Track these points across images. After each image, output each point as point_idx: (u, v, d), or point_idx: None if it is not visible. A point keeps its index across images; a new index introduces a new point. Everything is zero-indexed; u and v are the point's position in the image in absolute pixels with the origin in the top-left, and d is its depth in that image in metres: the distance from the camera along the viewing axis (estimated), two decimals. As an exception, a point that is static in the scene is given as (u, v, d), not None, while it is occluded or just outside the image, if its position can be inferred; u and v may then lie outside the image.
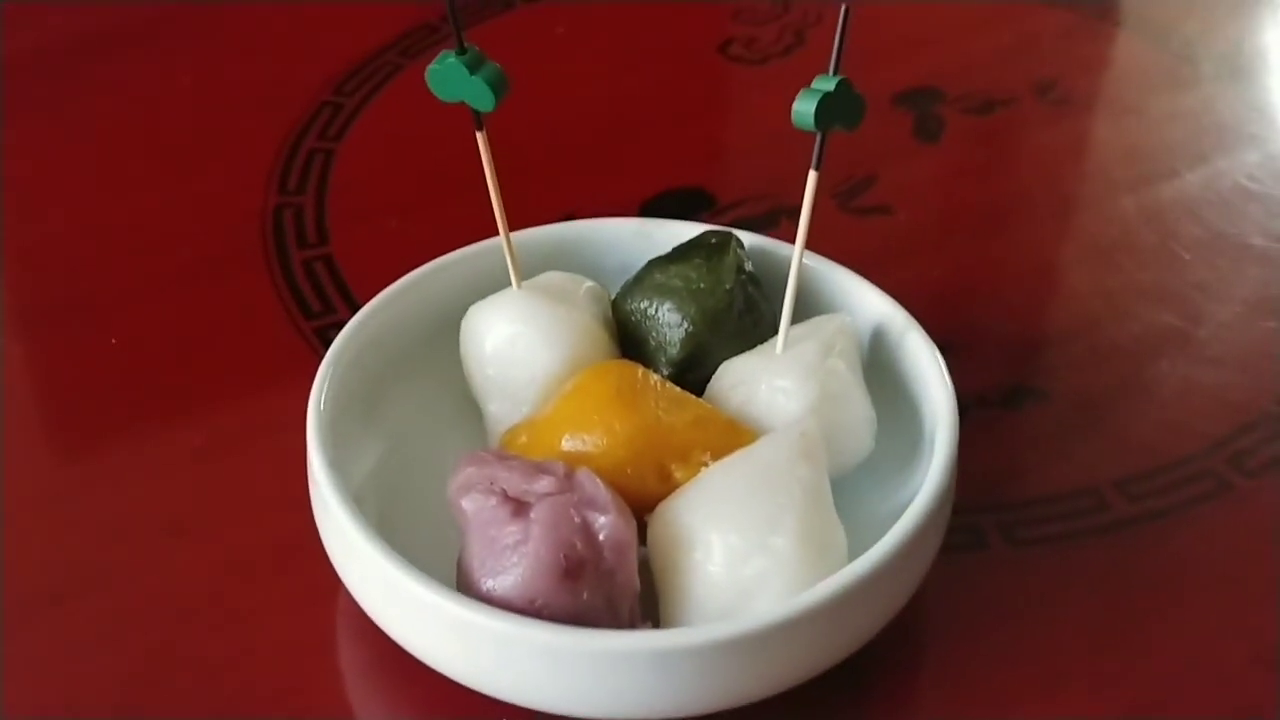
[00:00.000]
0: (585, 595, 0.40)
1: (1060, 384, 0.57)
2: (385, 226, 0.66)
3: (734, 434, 0.45)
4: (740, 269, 0.50)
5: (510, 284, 0.50)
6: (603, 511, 0.41)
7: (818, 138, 0.45)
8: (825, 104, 0.43)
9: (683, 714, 0.40)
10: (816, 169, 0.45)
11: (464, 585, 0.41)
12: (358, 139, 0.70)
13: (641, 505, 0.44)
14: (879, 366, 0.50)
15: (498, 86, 0.44)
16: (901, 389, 0.49)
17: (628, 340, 0.50)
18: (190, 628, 0.47)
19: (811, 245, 0.48)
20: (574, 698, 0.39)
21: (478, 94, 0.44)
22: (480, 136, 0.46)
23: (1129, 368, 0.57)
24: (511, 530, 0.40)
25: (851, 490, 0.46)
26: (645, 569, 0.43)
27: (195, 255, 0.63)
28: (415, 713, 0.44)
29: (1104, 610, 0.48)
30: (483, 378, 0.49)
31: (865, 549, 0.43)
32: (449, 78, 0.44)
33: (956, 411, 0.46)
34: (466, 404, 0.51)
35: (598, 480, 0.42)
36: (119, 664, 0.46)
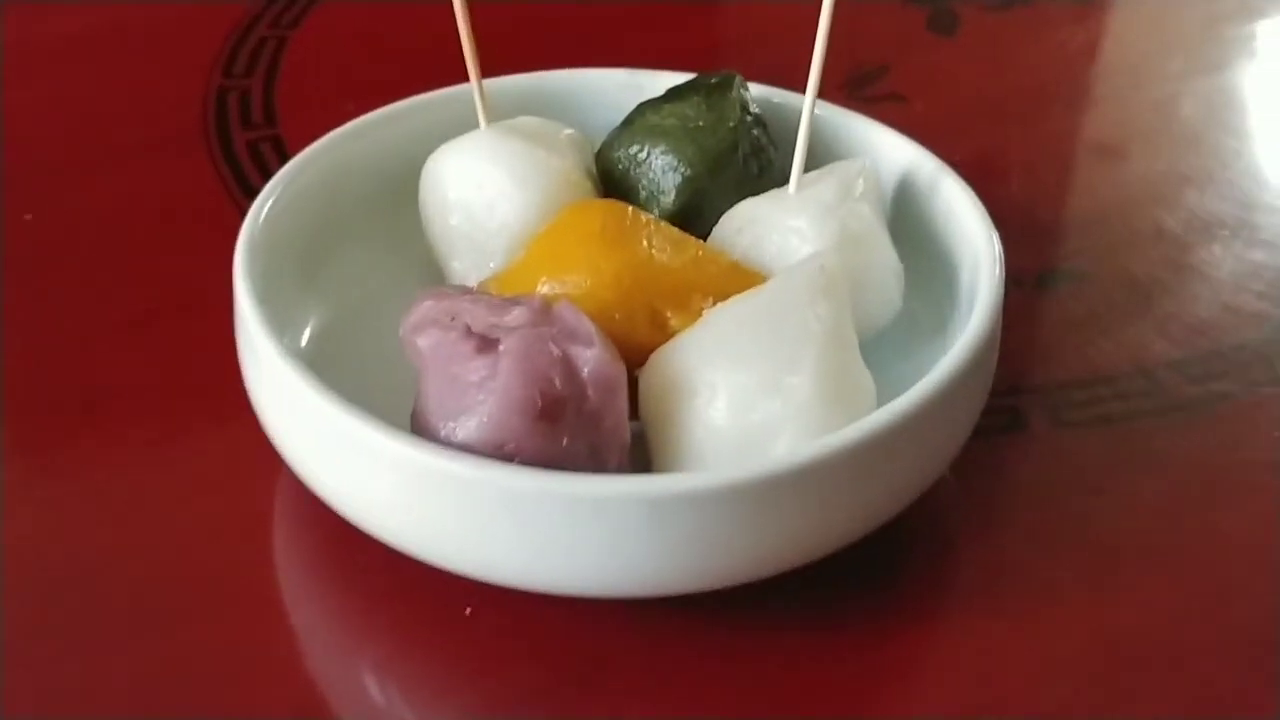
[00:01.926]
0: (565, 441, 0.33)
1: (1101, 266, 0.50)
2: (340, 110, 0.59)
3: (739, 276, 0.38)
4: (744, 107, 0.43)
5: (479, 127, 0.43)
6: (586, 344, 0.34)
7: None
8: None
9: (680, 586, 0.33)
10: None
11: (421, 427, 0.34)
12: (313, 29, 0.64)
13: (632, 356, 0.37)
14: (906, 221, 0.43)
15: None
16: (933, 244, 0.42)
17: (614, 191, 0.43)
18: (110, 512, 0.40)
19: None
20: (548, 563, 0.32)
21: None
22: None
23: (1176, 251, 0.51)
24: (476, 366, 0.33)
25: (876, 358, 0.40)
26: (636, 441, 0.36)
27: (131, 136, 0.57)
28: (365, 604, 0.37)
29: (1156, 496, 0.41)
30: (444, 228, 0.42)
31: None
32: None
33: (1001, 254, 0.39)
34: (426, 268, 0.44)
35: (580, 313, 0.35)
36: (38, 557, 0.39)
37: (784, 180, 0.43)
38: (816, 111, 0.42)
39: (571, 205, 0.40)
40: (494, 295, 0.36)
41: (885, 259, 0.40)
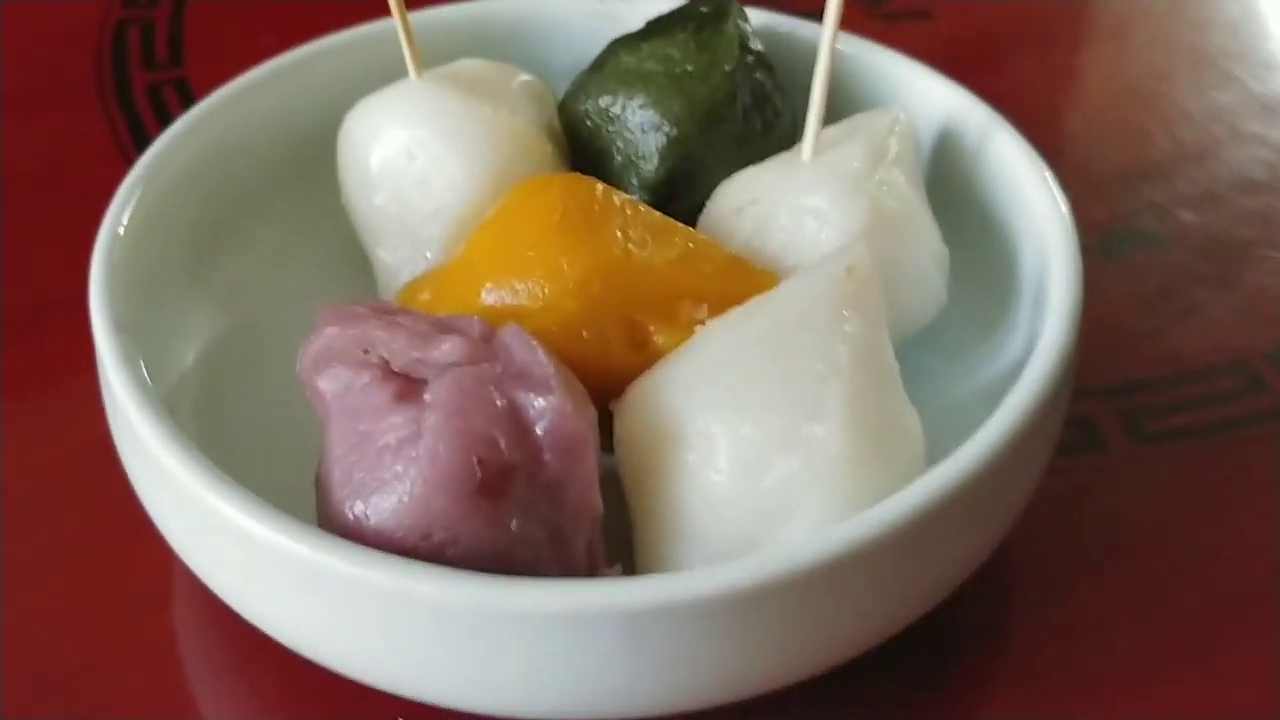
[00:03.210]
0: (514, 523, 0.24)
1: (1176, 226, 0.42)
2: (259, 45, 0.50)
3: (742, 276, 0.30)
4: (745, 45, 0.34)
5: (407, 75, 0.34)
6: (540, 390, 0.25)
7: None
8: None
9: (663, 708, 0.25)
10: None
11: (324, 509, 0.26)
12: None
13: (605, 384, 0.29)
14: (946, 184, 0.34)
15: None
16: (984, 217, 0.34)
17: (582, 155, 0.35)
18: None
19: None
20: (493, 687, 0.24)
21: None
22: None
23: (1264, 203, 0.42)
24: (395, 422, 0.25)
25: (914, 360, 0.31)
26: (612, 482, 0.27)
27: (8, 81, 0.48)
28: (270, 707, 0.29)
29: (1273, 532, 0.33)
30: (368, 208, 0.34)
31: (940, 453, 0.28)
32: None
33: (1076, 244, 0.30)
34: (347, 254, 0.35)
35: (532, 342, 0.26)
36: None
37: (794, 138, 0.35)
38: (839, 47, 0.33)
39: (524, 183, 0.31)
40: (419, 316, 0.27)
41: (927, 242, 0.32)
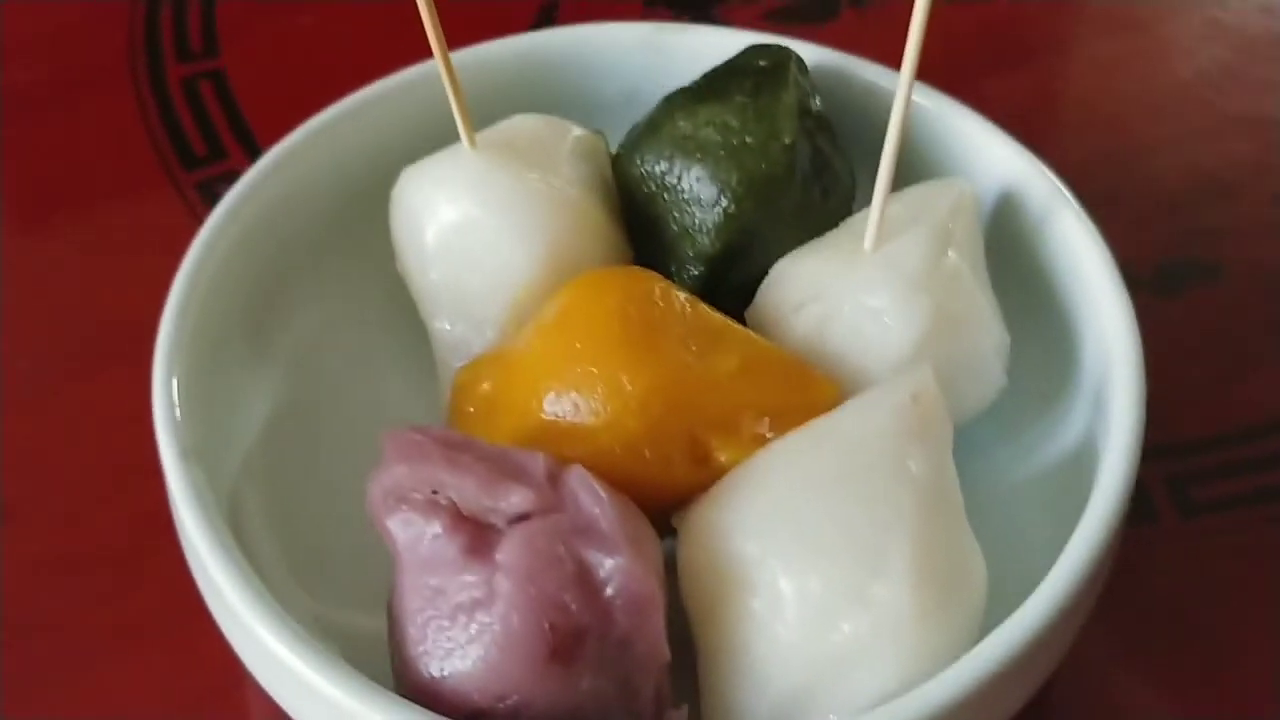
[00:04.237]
0: (585, 682, 0.25)
1: (1232, 252, 0.41)
2: (295, 25, 0.48)
3: (802, 387, 0.30)
4: (805, 109, 0.33)
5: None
6: (609, 551, 0.25)
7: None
8: None
9: None
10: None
11: (397, 650, 0.27)
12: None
13: (667, 500, 0.29)
14: (1006, 254, 0.34)
15: None
16: (1042, 292, 0.33)
17: (638, 219, 0.34)
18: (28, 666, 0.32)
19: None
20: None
21: None
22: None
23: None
24: (468, 581, 0.25)
25: (970, 439, 0.31)
26: (672, 595, 0.28)
27: (32, 75, 0.46)
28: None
29: None
30: (424, 284, 0.33)
31: (997, 543, 0.29)
32: None
33: (1141, 357, 0.30)
34: (402, 307, 0.35)
35: (598, 488, 0.26)
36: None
37: (851, 198, 0.34)
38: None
39: (584, 281, 0.31)
40: (484, 452, 0.27)
41: (989, 334, 0.31)
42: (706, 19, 0.48)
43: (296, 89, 0.47)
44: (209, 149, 0.44)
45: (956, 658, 0.26)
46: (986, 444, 0.33)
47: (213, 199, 0.43)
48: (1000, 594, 0.28)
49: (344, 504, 0.32)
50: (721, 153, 0.33)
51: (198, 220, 0.41)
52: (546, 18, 0.48)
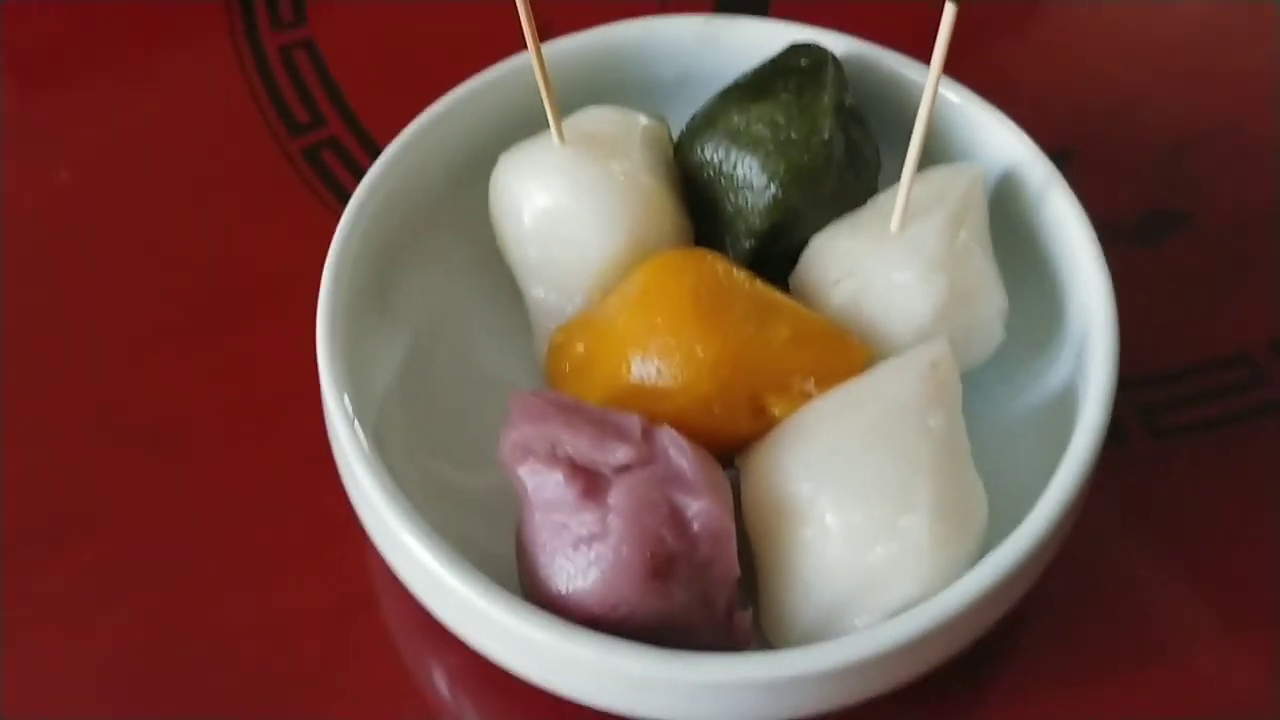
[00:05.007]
0: (677, 595, 0.33)
1: (1204, 203, 0.47)
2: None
3: (841, 352, 0.36)
4: (840, 105, 0.40)
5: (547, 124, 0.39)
6: (694, 495, 0.33)
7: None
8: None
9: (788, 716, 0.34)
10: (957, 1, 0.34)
11: (528, 570, 0.34)
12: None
13: (731, 445, 0.36)
14: (1008, 226, 0.40)
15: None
16: (1036, 259, 0.40)
17: (698, 199, 0.40)
18: (192, 581, 0.40)
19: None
20: (669, 713, 0.33)
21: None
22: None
23: (1288, 177, 0.47)
24: (585, 519, 0.33)
25: (974, 381, 0.38)
26: (739, 526, 0.35)
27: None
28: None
29: (1260, 527, 0.40)
30: (521, 257, 0.40)
31: (999, 465, 0.36)
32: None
33: (1114, 314, 0.37)
34: (501, 272, 0.41)
35: (684, 444, 0.33)
36: (116, 631, 0.39)
37: (880, 175, 0.41)
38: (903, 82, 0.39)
39: (660, 263, 0.37)
40: (590, 413, 0.34)
41: (993, 302, 0.38)
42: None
43: (381, 55, 0.53)
44: (310, 115, 0.50)
45: (963, 574, 0.33)
46: (988, 384, 0.40)
47: (319, 165, 0.50)
48: (1000, 508, 0.35)
49: (460, 443, 0.39)
50: (770, 146, 0.39)
51: (308, 187, 0.48)
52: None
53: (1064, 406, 0.38)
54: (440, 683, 0.39)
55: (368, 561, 0.39)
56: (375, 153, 0.41)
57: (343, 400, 0.36)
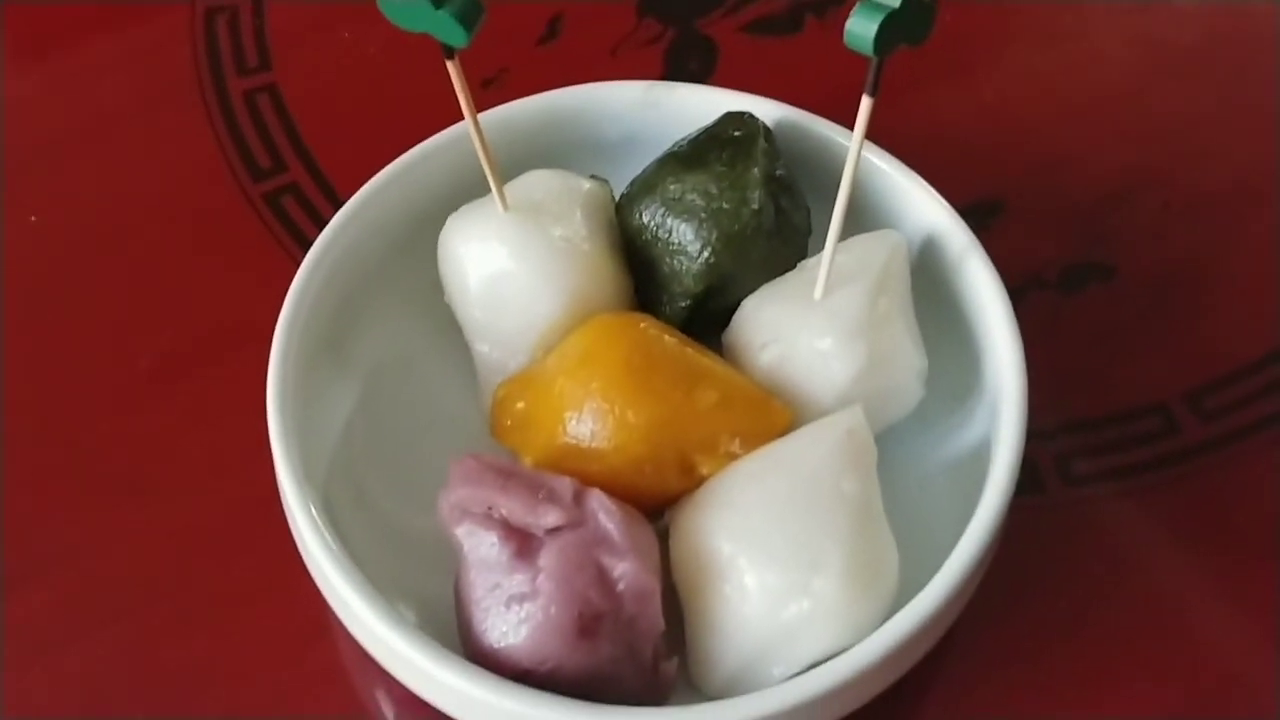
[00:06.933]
0: (604, 650, 0.35)
1: (1127, 256, 0.49)
2: (336, 37, 0.55)
3: (765, 415, 0.39)
4: (770, 176, 0.42)
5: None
6: (620, 557, 0.35)
7: (874, 61, 0.36)
8: (889, 23, 0.34)
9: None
10: (872, 95, 0.36)
11: (464, 623, 0.36)
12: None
13: (662, 500, 0.39)
14: (927, 285, 0.42)
15: (469, 17, 0.34)
16: (955, 318, 0.42)
17: (637, 257, 0.42)
18: (150, 621, 0.42)
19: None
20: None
21: (445, 28, 0.34)
22: (452, 67, 0.37)
23: (1209, 233, 0.49)
24: (518, 580, 0.35)
25: (894, 431, 0.41)
26: (665, 574, 0.38)
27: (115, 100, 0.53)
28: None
29: (1169, 574, 0.42)
30: (467, 316, 0.42)
31: (917, 513, 0.39)
32: (409, 8, 0.34)
33: (1025, 388, 0.39)
34: (454, 324, 0.43)
35: (612, 507, 0.36)
36: (82, 664, 0.41)
37: (807, 240, 0.43)
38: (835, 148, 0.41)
39: (597, 327, 0.39)
40: (524, 477, 0.36)
41: (912, 364, 0.40)
42: (691, 31, 0.55)
43: (344, 101, 0.54)
44: (272, 162, 0.51)
45: (876, 627, 0.35)
46: (910, 436, 0.42)
47: (279, 211, 0.51)
48: (919, 556, 0.38)
49: (407, 487, 0.41)
50: (704, 214, 0.41)
51: (270, 232, 0.50)
52: (552, 31, 0.55)
53: (979, 459, 0.40)
54: (389, 713, 0.41)
55: (321, 599, 0.41)
56: (335, 199, 0.43)
57: (289, 455, 0.38)
